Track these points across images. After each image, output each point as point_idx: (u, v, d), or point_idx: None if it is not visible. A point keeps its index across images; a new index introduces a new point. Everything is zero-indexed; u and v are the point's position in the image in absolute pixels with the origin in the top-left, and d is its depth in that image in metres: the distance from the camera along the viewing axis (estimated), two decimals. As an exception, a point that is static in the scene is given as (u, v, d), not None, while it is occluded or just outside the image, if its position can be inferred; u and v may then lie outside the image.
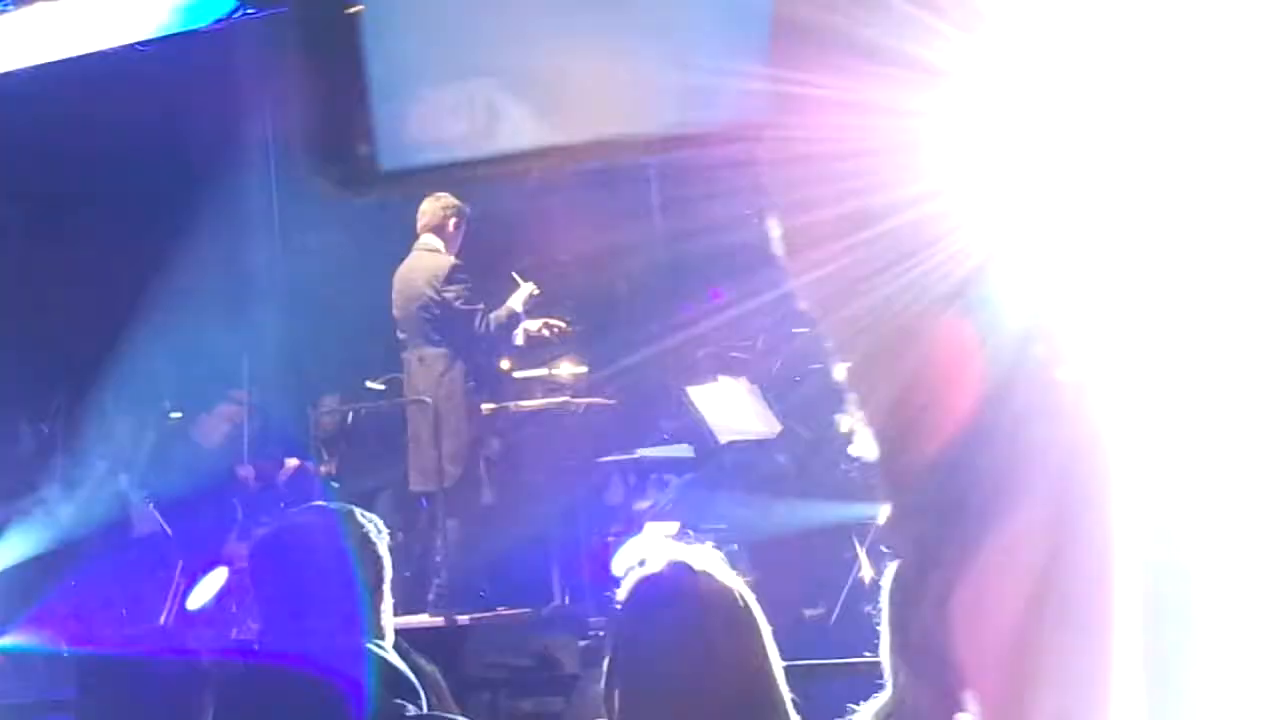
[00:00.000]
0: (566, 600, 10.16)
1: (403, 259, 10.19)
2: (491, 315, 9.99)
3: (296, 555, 3.88)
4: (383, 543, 3.98)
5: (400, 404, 10.54)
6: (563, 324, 10.56)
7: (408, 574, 10.36)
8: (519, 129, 0.78)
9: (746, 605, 3.17)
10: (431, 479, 10.09)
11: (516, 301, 10.16)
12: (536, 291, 10.27)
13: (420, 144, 0.78)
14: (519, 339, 10.39)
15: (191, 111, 11.94)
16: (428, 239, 9.97)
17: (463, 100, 0.78)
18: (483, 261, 10.36)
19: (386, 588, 3.94)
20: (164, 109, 11.62)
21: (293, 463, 11.86)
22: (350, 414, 12.00)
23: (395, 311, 10.17)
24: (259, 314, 12.98)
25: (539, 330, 10.39)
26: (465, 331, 9.92)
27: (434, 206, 9.88)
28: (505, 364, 11.18)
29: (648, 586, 3.35)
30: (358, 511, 4.04)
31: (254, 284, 13.22)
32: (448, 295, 9.88)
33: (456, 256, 9.99)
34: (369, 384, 12.06)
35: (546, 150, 0.78)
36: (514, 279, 10.37)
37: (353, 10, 0.77)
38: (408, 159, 0.78)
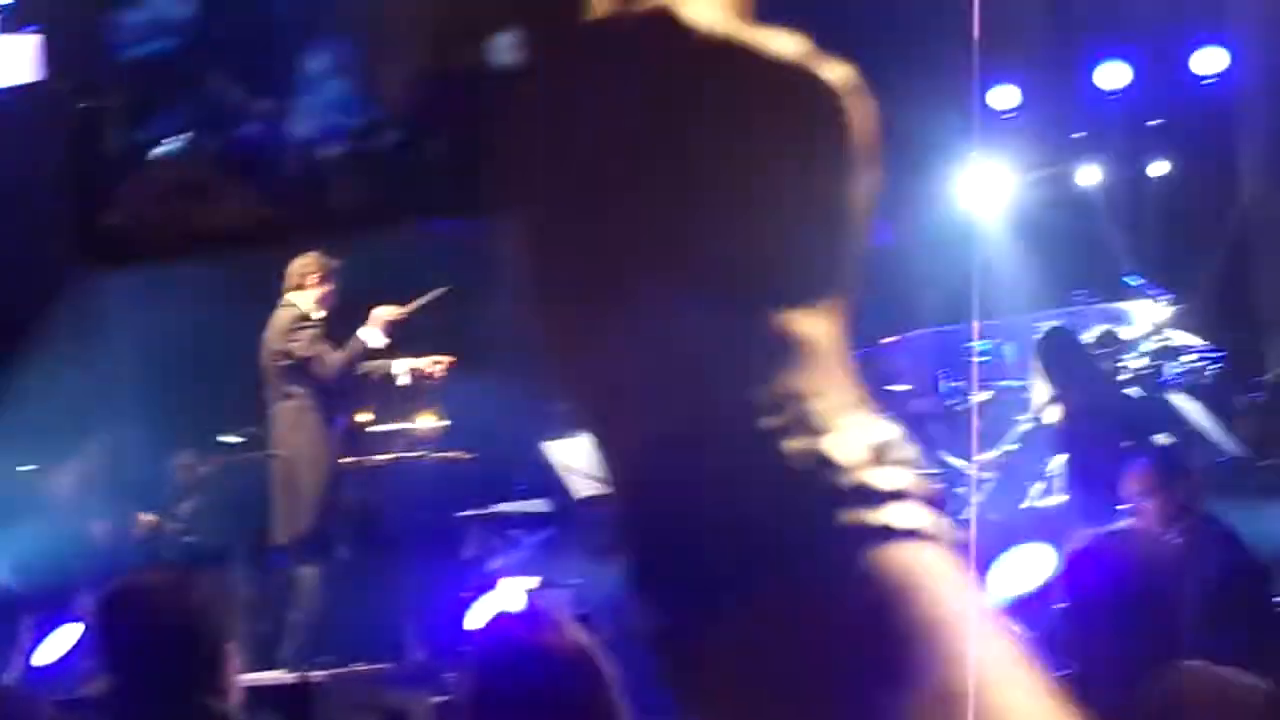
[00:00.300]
0: (421, 656, 10.11)
1: (264, 315, 10.15)
2: (334, 358, 9.91)
3: (141, 612, 3.85)
4: (228, 600, 3.97)
5: (254, 458, 10.47)
6: (451, 360, 10.47)
7: (262, 629, 10.27)
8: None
9: (598, 660, 3.18)
10: (287, 533, 10.02)
11: (367, 335, 10.08)
12: (393, 315, 10.13)
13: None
14: (404, 379, 10.36)
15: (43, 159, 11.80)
16: (289, 297, 9.93)
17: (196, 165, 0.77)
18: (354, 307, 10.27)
19: (232, 645, 3.92)
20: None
21: (147, 518, 11.74)
22: (206, 468, 11.90)
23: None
24: (115, 367, 12.84)
25: (428, 369, 10.35)
26: (313, 381, 9.87)
27: (295, 266, 9.84)
28: (364, 416, 11.13)
29: (499, 640, 3.36)
30: (204, 568, 4.04)
31: (110, 337, 13.07)
32: (291, 346, 9.84)
33: (324, 310, 9.94)
34: (224, 438, 11.96)
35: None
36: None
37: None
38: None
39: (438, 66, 0.74)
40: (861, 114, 0.72)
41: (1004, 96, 16.63)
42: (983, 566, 8.29)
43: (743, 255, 0.69)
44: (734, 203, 0.69)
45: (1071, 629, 4.32)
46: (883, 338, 14.42)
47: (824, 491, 0.65)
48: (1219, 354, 13.58)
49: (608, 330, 0.69)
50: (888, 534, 0.66)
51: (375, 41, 0.76)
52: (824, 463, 0.66)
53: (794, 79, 0.71)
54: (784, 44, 0.71)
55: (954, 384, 13.72)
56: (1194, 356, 13.44)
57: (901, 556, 0.66)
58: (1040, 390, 12.52)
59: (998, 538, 8.66)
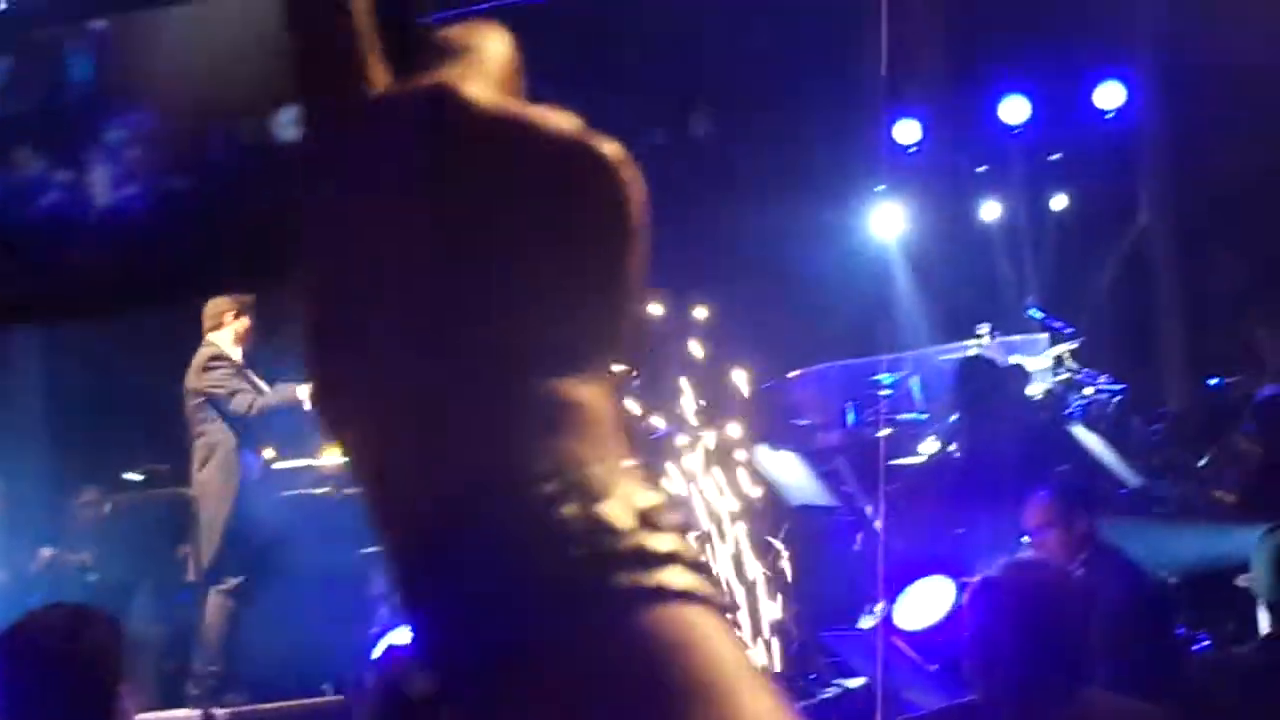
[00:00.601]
0: (330, 693, 10.05)
1: (169, 353, 10.12)
2: (259, 400, 9.88)
3: (33, 653, 3.81)
4: (121, 641, 3.93)
5: (158, 495, 10.40)
6: None
7: (168, 668, 10.19)
8: None
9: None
10: (195, 570, 9.97)
11: (304, 392, 10.06)
12: None
13: None
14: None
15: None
16: (208, 337, 9.90)
17: None
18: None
19: (127, 686, 3.89)
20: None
21: (47, 554, 11.62)
22: (109, 505, 11.81)
23: None
24: (17, 404, 12.73)
25: None
26: (226, 418, 9.84)
27: (212, 307, 9.81)
28: (271, 453, 11.08)
29: (398, 676, 3.36)
30: (96, 609, 4.01)
31: (11, 374, 12.96)
32: (204, 384, 9.82)
33: (243, 347, 9.91)
34: (127, 475, 11.87)
35: None
36: None
37: None
38: None
39: (229, 138, 0.76)
40: (634, 187, 0.75)
41: (907, 131, 16.77)
42: (888, 598, 8.35)
43: (518, 325, 0.72)
44: (511, 274, 0.72)
45: (974, 659, 4.36)
46: (789, 371, 14.49)
47: (600, 555, 0.68)
48: (1120, 387, 13.73)
49: (385, 399, 0.71)
50: (662, 595, 0.68)
51: (171, 113, 0.78)
52: (600, 527, 0.68)
53: (569, 153, 0.74)
54: (559, 120, 0.74)
55: (860, 417, 13.79)
56: (1094, 389, 13.59)
57: (676, 616, 0.68)
58: (948, 421, 12.62)
59: (902, 570, 8.71)
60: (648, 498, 0.71)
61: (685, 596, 0.69)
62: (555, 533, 0.68)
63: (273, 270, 0.77)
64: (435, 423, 0.71)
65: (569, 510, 0.68)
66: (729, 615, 0.70)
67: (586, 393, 0.72)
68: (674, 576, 0.69)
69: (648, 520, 0.70)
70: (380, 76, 0.75)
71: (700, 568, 0.70)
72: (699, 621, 0.68)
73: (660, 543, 0.69)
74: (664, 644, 0.67)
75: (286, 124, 0.76)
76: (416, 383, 0.71)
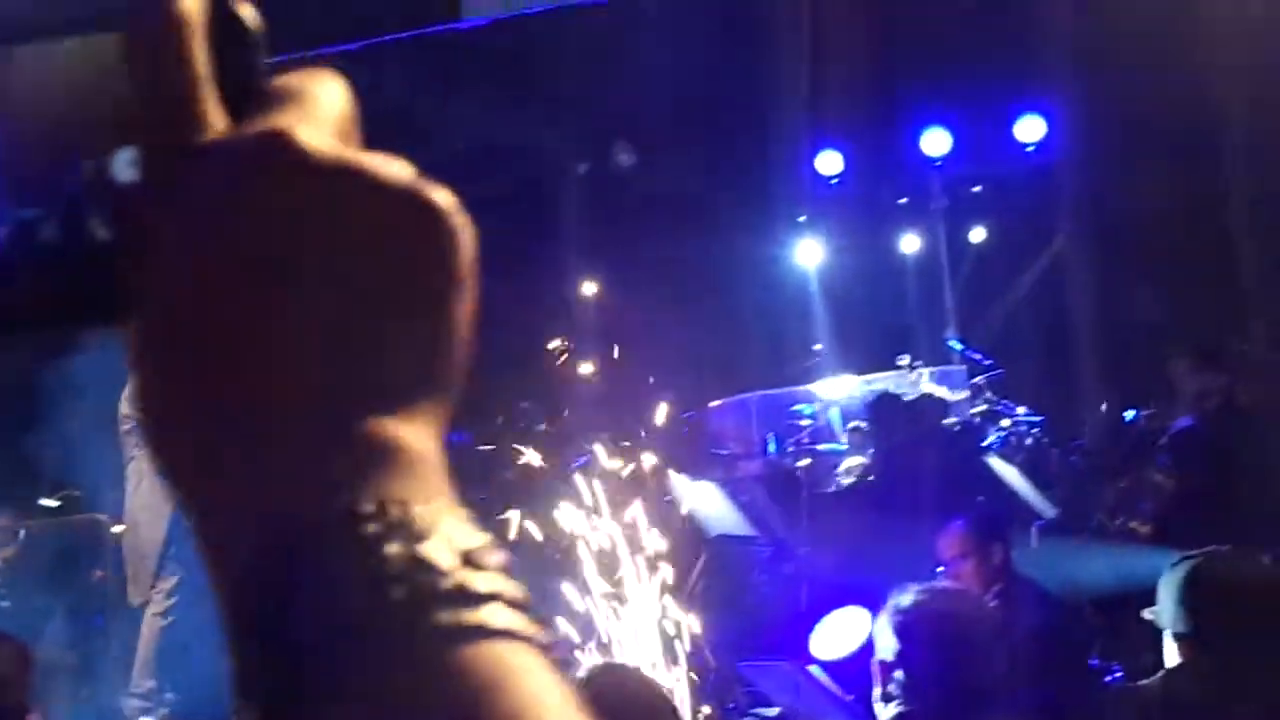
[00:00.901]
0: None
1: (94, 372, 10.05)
2: None
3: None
4: (29, 667, 3.90)
5: (73, 521, 10.31)
6: None
7: (82, 695, 10.09)
8: None
9: None
10: (135, 593, 9.91)
11: None
12: None
13: None
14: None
15: None
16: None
17: None
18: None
19: (33, 716, 3.85)
20: None
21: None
22: (22, 530, 11.69)
23: None
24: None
25: None
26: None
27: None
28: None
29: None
30: (4, 634, 3.98)
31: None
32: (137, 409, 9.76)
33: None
34: (41, 501, 11.75)
35: None
36: None
37: None
38: None
39: (74, 176, 0.77)
40: (463, 235, 0.77)
41: (829, 162, 16.85)
42: (806, 628, 8.36)
43: (343, 367, 0.73)
44: (337, 316, 0.73)
45: (888, 689, 4.37)
46: (711, 400, 14.52)
47: (421, 593, 0.69)
48: (1038, 418, 13.81)
49: (209, 436, 0.73)
50: (482, 633, 0.69)
51: (20, 147, 0.79)
52: (423, 566, 0.70)
53: (398, 200, 0.76)
54: (391, 168, 0.76)
55: (780, 446, 13.83)
56: (1012, 420, 13.66)
57: (495, 654, 0.69)
58: (864, 453, 12.66)
59: (820, 600, 8.73)
60: (470, 538, 0.72)
61: (505, 634, 0.70)
62: (377, 572, 0.69)
63: (113, 307, 0.77)
64: (258, 462, 0.72)
65: (392, 549, 0.69)
66: (551, 652, 0.71)
67: (411, 433, 0.73)
68: (494, 615, 0.70)
69: (470, 560, 0.71)
70: (218, 121, 0.76)
71: (521, 606, 0.72)
72: (518, 659, 0.70)
73: (481, 582, 0.70)
74: (483, 681, 0.68)
75: (125, 165, 0.76)
76: (240, 421, 0.72)
